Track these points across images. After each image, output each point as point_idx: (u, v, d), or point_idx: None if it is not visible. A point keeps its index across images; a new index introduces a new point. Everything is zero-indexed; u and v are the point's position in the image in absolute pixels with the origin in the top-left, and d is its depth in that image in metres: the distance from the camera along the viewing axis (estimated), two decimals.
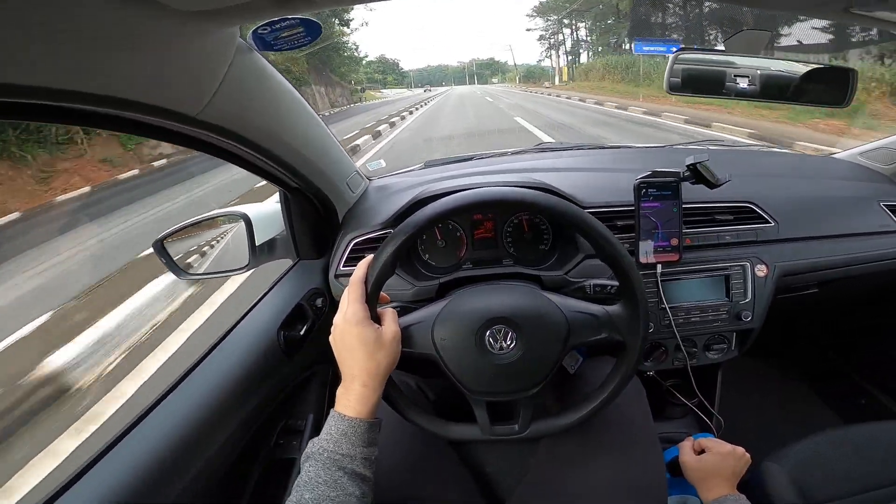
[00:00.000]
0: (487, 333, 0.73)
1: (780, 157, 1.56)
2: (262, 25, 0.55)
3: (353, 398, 0.64)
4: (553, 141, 1.61)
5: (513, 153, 1.52)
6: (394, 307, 0.85)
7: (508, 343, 0.73)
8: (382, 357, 0.66)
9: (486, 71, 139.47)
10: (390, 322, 0.70)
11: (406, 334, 0.74)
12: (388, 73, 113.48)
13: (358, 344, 0.65)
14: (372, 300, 0.70)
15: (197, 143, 0.66)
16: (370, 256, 0.72)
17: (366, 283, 0.70)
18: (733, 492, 0.85)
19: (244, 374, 0.86)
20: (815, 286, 1.21)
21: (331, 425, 0.63)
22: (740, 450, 0.90)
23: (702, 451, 0.93)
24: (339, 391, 0.66)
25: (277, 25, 0.55)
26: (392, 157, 8.18)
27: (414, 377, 1.03)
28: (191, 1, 0.40)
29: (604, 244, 0.74)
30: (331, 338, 0.69)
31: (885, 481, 0.89)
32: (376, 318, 0.70)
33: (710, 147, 1.56)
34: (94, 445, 0.74)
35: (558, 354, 0.75)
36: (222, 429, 0.79)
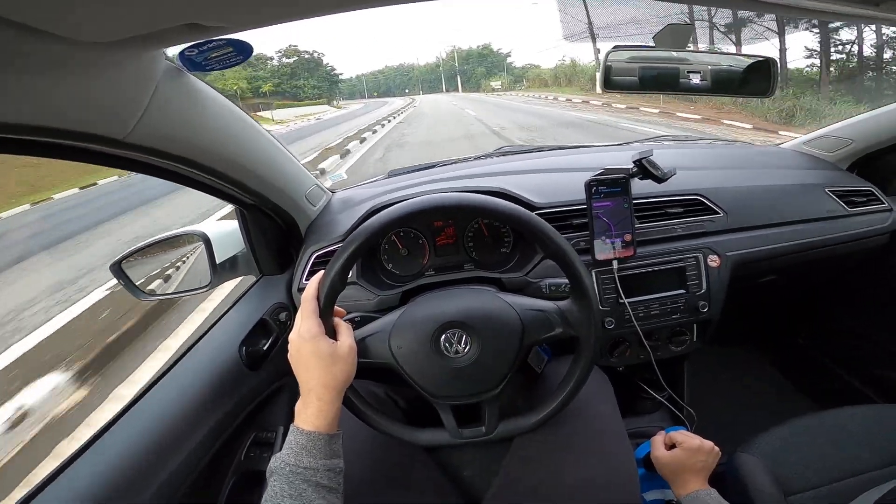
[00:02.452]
0: (442, 338, 0.75)
1: (728, 148, 1.60)
2: (188, 48, 0.56)
3: (310, 412, 0.65)
4: (515, 145, 1.63)
5: (475, 158, 1.55)
6: (356, 318, 0.86)
7: (464, 346, 0.75)
8: (338, 371, 0.67)
9: (476, 67, 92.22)
10: (345, 336, 0.71)
11: (363, 345, 0.75)
12: (309, 78, 74.12)
13: (312, 359, 0.66)
14: (325, 314, 0.71)
15: (130, 163, 0.66)
16: (321, 272, 0.73)
17: (318, 298, 0.71)
18: (704, 486, 0.87)
19: (205, 388, 0.87)
20: (772, 274, 1.25)
21: (291, 440, 0.64)
22: (709, 444, 0.92)
23: (673, 446, 0.94)
24: (298, 406, 0.67)
25: (205, 47, 0.57)
26: None
27: (383, 386, 1.03)
28: (91, 33, 0.41)
29: (546, 241, 0.76)
30: (288, 354, 0.70)
31: (861, 467, 0.90)
32: (332, 333, 0.71)
33: (663, 141, 1.61)
34: None
35: (515, 353, 0.76)
36: (187, 440, 0.79)
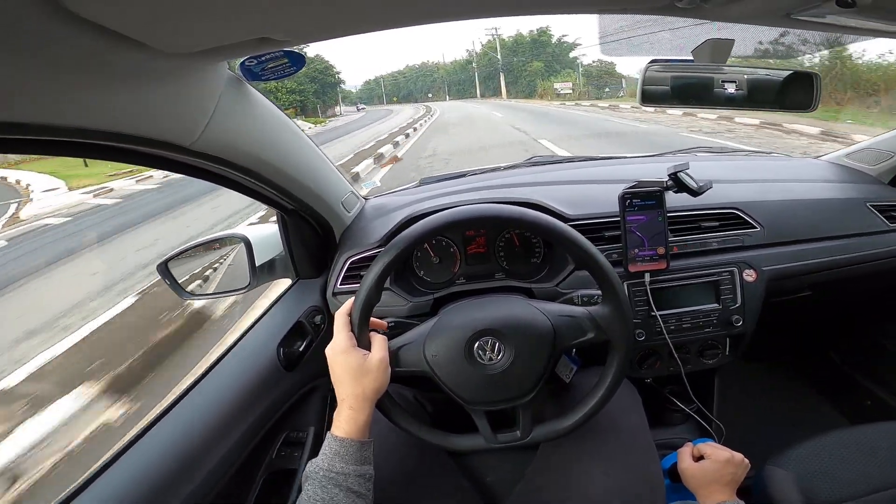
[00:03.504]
0: (476, 345, 0.77)
1: (767, 160, 1.58)
2: (248, 58, 0.60)
3: (342, 420, 0.69)
4: (546, 155, 1.63)
5: (506, 168, 1.56)
6: (389, 323, 0.89)
7: (497, 353, 0.77)
8: (369, 382, 0.71)
9: (530, 60, 52.49)
10: (377, 348, 0.74)
11: (399, 355, 0.78)
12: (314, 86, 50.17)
13: (343, 371, 0.71)
14: (360, 327, 0.75)
15: (193, 170, 0.71)
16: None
17: (351, 312, 0.75)
18: (732, 498, 0.85)
19: (244, 388, 0.90)
20: (807, 289, 1.22)
21: (325, 446, 0.68)
22: (739, 456, 0.90)
23: (701, 458, 0.93)
24: (335, 414, 0.71)
25: (263, 58, 0.60)
26: None
27: (412, 390, 1.05)
28: (176, 45, 0.44)
29: (575, 249, 0.78)
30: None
31: (891, 482, 0.88)
32: (366, 345, 0.75)
33: (698, 153, 1.59)
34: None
35: (548, 359, 0.78)
36: (224, 439, 0.82)
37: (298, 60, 0.62)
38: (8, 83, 0.38)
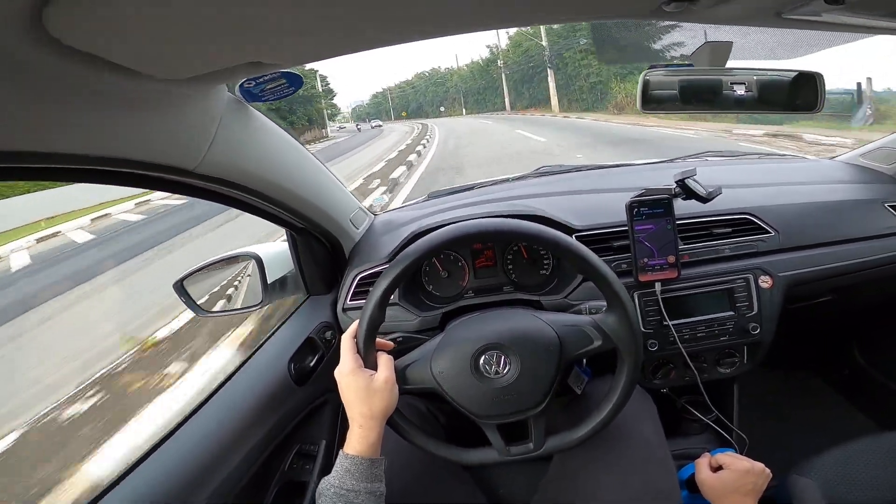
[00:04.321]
0: (482, 360, 0.78)
1: (779, 162, 1.55)
2: (247, 80, 0.62)
3: (353, 439, 0.72)
4: (553, 165, 1.63)
5: (514, 179, 1.57)
6: (398, 338, 0.90)
7: (503, 366, 0.77)
8: (376, 401, 0.72)
9: (588, 53, 22.24)
10: (382, 368, 0.76)
11: (406, 373, 0.79)
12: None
13: (351, 392, 0.73)
14: (366, 349, 0.76)
15: (200, 192, 0.73)
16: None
17: (356, 335, 0.77)
18: None
19: (256, 401, 0.91)
20: (828, 294, 1.19)
21: (337, 463, 0.70)
22: (760, 465, 0.88)
23: (720, 468, 0.91)
24: (348, 433, 0.73)
25: (261, 79, 0.62)
26: None
27: (424, 401, 1.05)
28: (166, 71, 0.46)
29: (574, 258, 0.78)
30: None
31: None
32: (373, 365, 0.76)
33: (709, 158, 1.57)
34: None
35: (556, 370, 0.77)
36: (238, 451, 0.84)
37: (296, 81, 0.64)
38: (2, 113, 0.39)
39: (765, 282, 1.09)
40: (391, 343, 0.85)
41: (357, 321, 0.78)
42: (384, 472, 0.72)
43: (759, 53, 0.89)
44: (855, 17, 0.51)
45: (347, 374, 0.74)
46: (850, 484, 0.88)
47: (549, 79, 28.66)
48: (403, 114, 76.01)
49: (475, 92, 50.93)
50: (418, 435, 0.81)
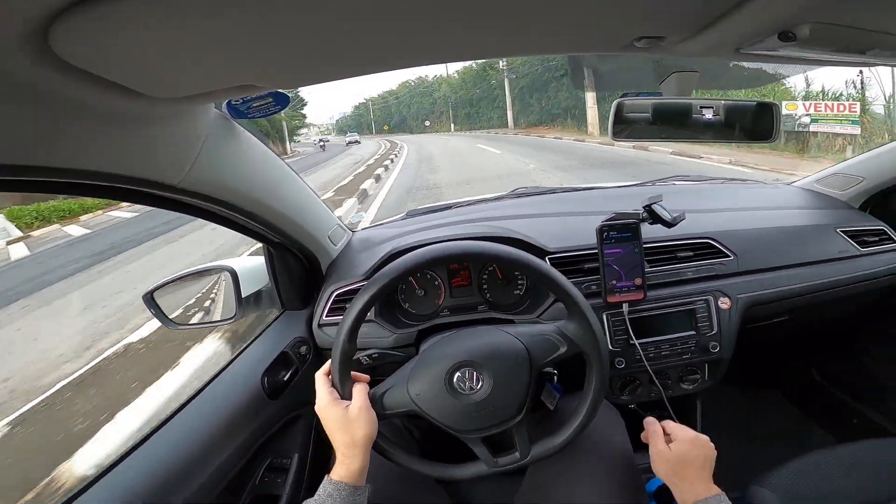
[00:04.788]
0: (455, 378, 0.79)
1: (741, 188, 1.63)
2: (234, 98, 0.63)
3: (338, 466, 0.73)
4: (529, 186, 1.68)
5: (492, 199, 1.60)
6: (373, 354, 0.90)
7: (476, 382, 0.79)
8: (355, 430, 0.74)
9: None
10: (356, 398, 0.78)
11: (385, 399, 0.81)
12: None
13: (331, 423, 0.75)
14: (342, 382, 0.78)
15: (180, 206, 0.73)
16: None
17: (330, 370, 0.79)
18: (713, 490, 0.80)
19: (228, 415, 0.91)
20: (784, 314, 1.25)
21: (321, 487, 0.72)
22: (704, 437, 0.87)
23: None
24: (335, 461, 0.75)
25: (249, 97, 0.63)
26: None
27: (401, 419, 1.06)
28: (162, 91, 0.47)
29: (532, 272, 0.82)
30: None
31: (876, 499, 0.88)
32: (349, 395, 0.78)
33: (676, 182, 1.64)
34: None
35: (528, 379, 0.80)
36: (207, 465, 0.83)
37: (282, 99, 0.65)
38: None
39: (724, 303, 1.14)
40: (367, 376, 0.86)
41: (329, 362, 0.80)
42: (367, 499, 0.73)
43: (722, 82, 0.94)
44: (807, 52, 0.56)
45: (324, 407, 0.76)
46: (808, 494, 0.91)
47: (587, 83, 15.80)
48: (385, 127, 67.60)
49: (467, 104, 40.95)
50: (406, 456, 0.82)
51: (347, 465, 0.73)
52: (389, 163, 15.43)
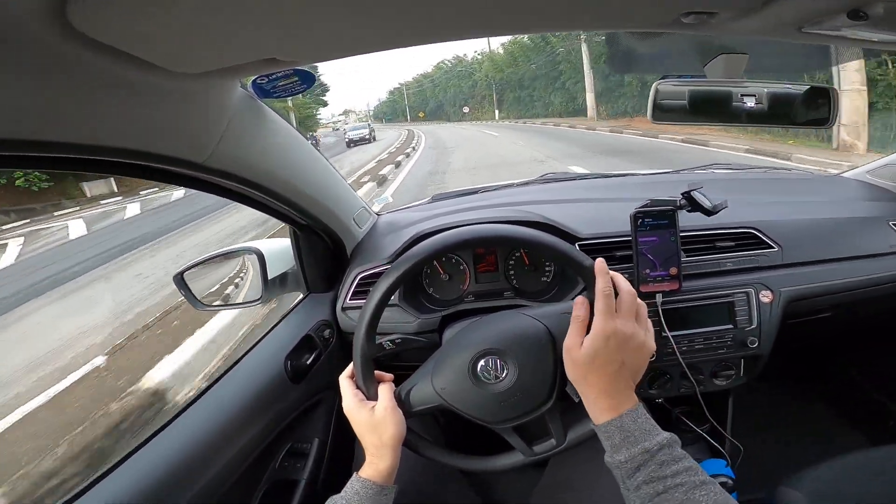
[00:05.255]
0: (479, 368, 0.77)
1: (786, 177, 1.55)
2: (259, 76, 0.61)
3: (367, 465, 0.74)
4: (558, 172, 1.63)
5: (518, 185, 1.56)
6: (396, 339, 0.90)
7: (501, 370, 0.77)
8: (382, 431, 0.74)
9: None
10: (382, 399, 0.77)
11: (411, 397, 0.80)
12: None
13: (358, 426, 0.76)
14: (365, 384, 0.78)
15: (205, 185, 0.72)
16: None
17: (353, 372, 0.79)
18: (617, 401, 0.62)
19: (251, 398, 0.91)
20: (827, 310, 1.19)
21: (348, 485, 0.72)
22: (633, 328, 0.68)
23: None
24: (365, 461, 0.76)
25: (274, 76, 0.62)
26: None
27: None
28: (184, 65, 0.46)
29: (550, 252, 0.80)
30: None
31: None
32: (375, 396, 0.78)
33: (716, 171, 1.57)
34: None
35: (555, 362, 0.77)
36: (228, 447, 0.84)
37: (308, 78, 0.64)
38: (20, 101, 0.39)
39: (765, 296, 1.08)
40: (391, 375, 0.85)
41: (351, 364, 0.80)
42: (392, 501, 0.73)
43: (772, 66, 0.88)
44: (877, 33, 0.51)
45: (351, 409, 0.76)
46: (838, 497, 0.88)
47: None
48: (420, 114, 61.69)
49: (516, 85, 31.55)
50: (437, 451, 0.82)
51: (376, 464, 0.73)
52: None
